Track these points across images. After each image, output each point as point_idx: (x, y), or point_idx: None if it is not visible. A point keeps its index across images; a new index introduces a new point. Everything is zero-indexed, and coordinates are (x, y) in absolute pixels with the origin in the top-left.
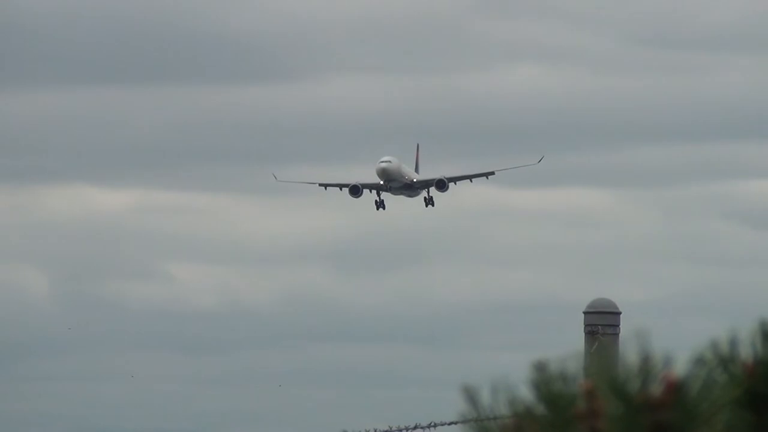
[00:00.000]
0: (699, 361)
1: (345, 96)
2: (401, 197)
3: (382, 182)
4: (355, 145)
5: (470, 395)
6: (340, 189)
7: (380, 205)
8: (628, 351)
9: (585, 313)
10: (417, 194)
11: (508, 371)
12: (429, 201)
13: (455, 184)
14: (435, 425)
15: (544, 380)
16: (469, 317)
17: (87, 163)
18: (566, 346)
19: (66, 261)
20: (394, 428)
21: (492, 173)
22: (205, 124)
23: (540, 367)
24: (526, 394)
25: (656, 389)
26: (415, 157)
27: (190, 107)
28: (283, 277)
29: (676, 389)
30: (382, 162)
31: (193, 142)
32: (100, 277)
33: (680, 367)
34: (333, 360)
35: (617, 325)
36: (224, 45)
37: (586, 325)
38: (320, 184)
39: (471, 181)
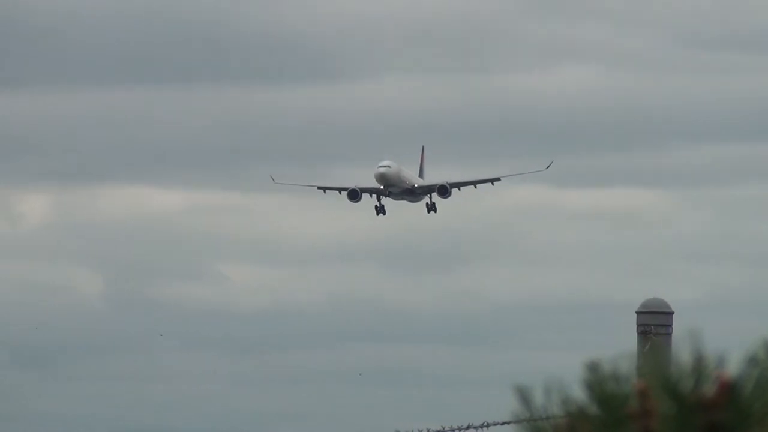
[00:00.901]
0: (752, 360)
1: (393, 96)
2: (403, 202)
3: (381, 187)
4: (403, 146)
5: (523, 395)
6: (339, 193)
7: (380, 210)
8: (681, 351)
9: (638, 313)
10: (419, 200)
11: (561, 371)
12: (431, 207)
13: (459, 190)
14: (488, 425)
15: (597, 380)
16: (521, 317)
17: (138, 163)
18: (619, 347)
19: (118, 261)
20: (446, 428)
21: (498, 179)
22: (255, 124)
23: (593, 367)
24: (579, 394)
25: (709, 389)
26: (419, 160)
27: (240, 107)
28: (329, 277)
29: (728, 389)
30: (381, 166)
31: (244, 142)
32: (151, 278)
33: (733, 366)
34: (383, 360)
35: (670, 325)
36: (274, 44)
37: (638, 325)
38: (319, 187)
39: (475, 187)
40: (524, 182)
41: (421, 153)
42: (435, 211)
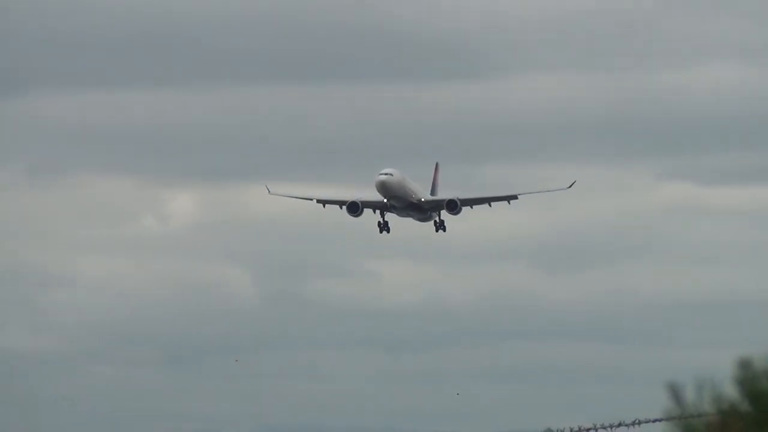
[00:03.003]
0: None
1: (537, 93)
2: (410, 220)
3: (384, 200)
4: (553, 144)
5: (675, 392)
6: (340, 207)
7: (384, 227)
8: None
9: None
10: (428, 217)
11: (712, 369)
12: (440, 225)
13: (471, 208)
14: (639, 422)
15: (749, 378)
16: (672, 315)
17: (287, 161)
18: None
19: (268, 259)
20: (597, 425)
21: (515, 197)
22: (397, 122)
23: (745, 365)
24: (730, 391)
25: None
26: (432, 177)
27: (382, 105)
28: (479, 275)
29: None
30: (382, 174)
31: (384, 140)
32: (302, 276)
33: None
34: (534, 357)
35: None
36: (418, 43)
37: None
38: (318, 201)
39: (490, 205)
40: (671, 180)
41: (434, 170)
42: (444, 230)
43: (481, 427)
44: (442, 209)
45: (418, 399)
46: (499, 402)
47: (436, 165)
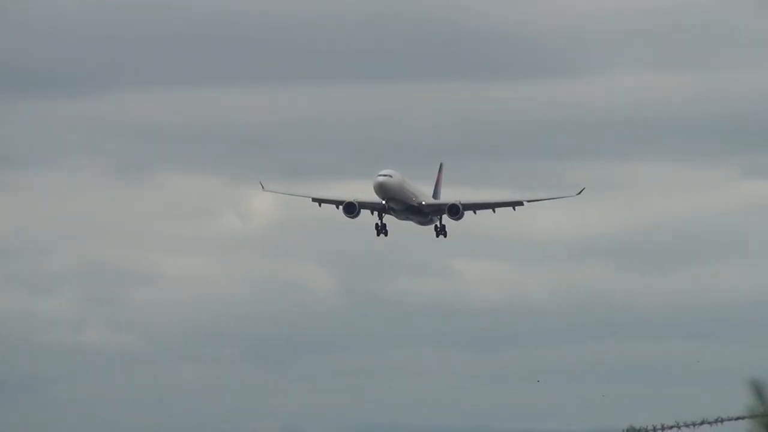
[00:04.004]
0: None
1: (622, 91)
2: (409, 223)
3: (382, 201)
4: (636, 141)
5: (758, 390)
6: (337, 207)
7: (381, 230)
8: None
9: None
10: (428, 221)
11: None
12: (440, 230)
13: (475, 213)
14: (722, 420)
15: None
16: (755, 312)
17: (367, 159)
18: None
19: (351, 257)
20: (680, 423)
21: (520, 203)
22: (487, 121)
23: None
24: None
25: None
26: (436, 178)
27: (472, 104)
28: (565, 272)
29: None
30: (381, 175)
31: (474, 139)
32: (381, 274)
33: None
34: (617, 355)
35: None
36: (504, 41)
37: None
38: (313, 199)
39: (494, 211)
40: (756, 177)
41: (438, 171)
42: (445, 235)
43: (563, 424)
44: (444, 214)
45: (500, 397)
46: (582, 399)
47: (440, 166)
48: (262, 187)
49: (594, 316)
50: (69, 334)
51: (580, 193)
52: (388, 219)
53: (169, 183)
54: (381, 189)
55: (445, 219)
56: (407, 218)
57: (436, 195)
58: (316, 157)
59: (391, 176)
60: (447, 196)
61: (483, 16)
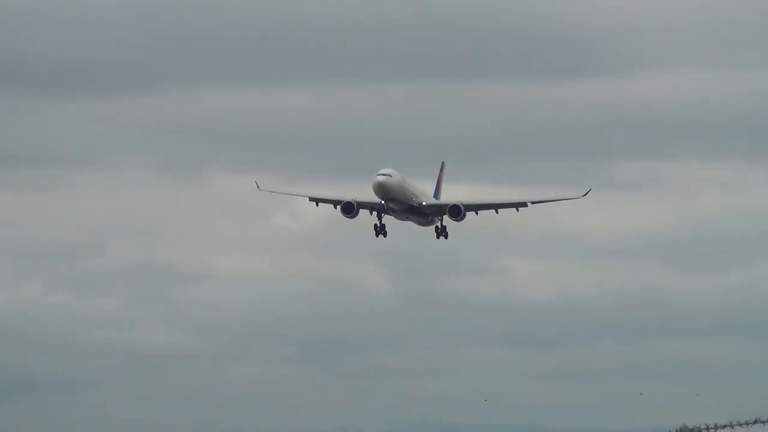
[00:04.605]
0: None
1: (667, 90)
2: (409, 224)
3: (382, 201)
4: (687, 139)
5: None
6: (335, 207)
7: (380, 230)
8: None
9: None
10: (428, 222)
11: None
12: (441, 231)
13: (476, 213)
14: None
15: None
16: None
17: (415, 158)
18: None
19: (402, 257)
20: (734, 423)
21: (524, 204)
22: (530, 119)
23: None
24: None
25: None
26: (437, 177)
27: (515, 102)
28: (614, 271)
29: None
30: (380, 174)
31: (515, 137)
32: (437, 273)
33: None
34: (669, 354)
35: None
36: (549, 39)
37: None
38: (311, 199)
39: (497, 212)
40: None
41: (440, 170)
42: (446, 237)
43: (615, 423)
44: (445, 214)
45: (552, 396)
46: (634, 399)
47: (442, 164)
48: (258, 187)
49: (645, 315)
50: (119, 334)
51: (586, 194)
52: (388, 219)
53: (218, 182)
54: (380, 189)
55: (446, 220)
56: (407, 219)
57: (437, 194)
58: (363, 155)
59: (390, 176)
60: (481, 195)
61: (530, 15)
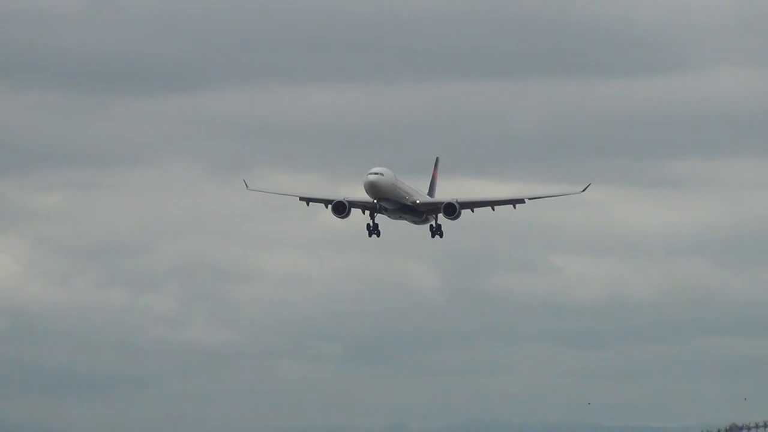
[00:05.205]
0: None
1: (726, 88)
2: (403, 223)
3: (374, 200)
4: (742, 138)
5: None
6: (326, 206)
7: (373, 230)
8: None
9: None
10: (423, 220)
11: None
12: (436, 230)
13: (472, 211)
14: None
15: None
16: None
17: (469, 155)
18: None
19: (452, 255)
20: None
21: (522, 201)
22: (589, 117)
23: None
24: None
25: None
26: (432, 174)
27: (574, 100)
28: (666, 269)
29: None
30: (371, 173)
31: (575, 135)
32: (485, 271)
33: None
34: (720, 351)
35: None
36: (609, 38)
37: None
38: (301, 198)
39: (493, 209)
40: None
41: (434, 166)
42: (441, 236)
43: (667, 420)
44: (439, 213)
45: (603, 393)
46: (685, 396)
47: (436, 160)
48: (246, 186)
49: (697, 312)
50: (171, 332)
51: (585, 189)
52: (381, 218)
53: (270, 180)
54: (372, 188)
55: (441, 218)
56: (401, 218)
57: (431, 192)
58: (413, 153)
59: (382, 174)
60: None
61: (588, 14)
